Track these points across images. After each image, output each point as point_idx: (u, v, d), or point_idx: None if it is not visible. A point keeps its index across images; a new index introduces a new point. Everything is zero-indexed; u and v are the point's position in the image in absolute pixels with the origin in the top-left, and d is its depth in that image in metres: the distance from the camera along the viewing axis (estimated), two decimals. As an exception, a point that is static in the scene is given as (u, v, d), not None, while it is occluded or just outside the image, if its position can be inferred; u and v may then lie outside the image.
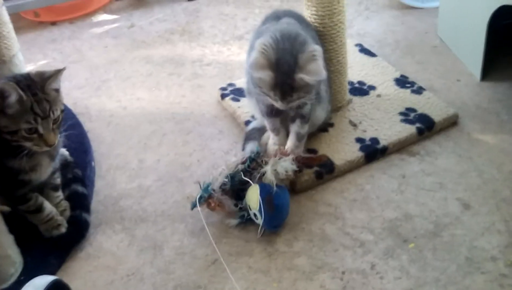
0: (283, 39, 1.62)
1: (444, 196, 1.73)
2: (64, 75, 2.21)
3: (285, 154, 1.71)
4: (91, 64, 2.57)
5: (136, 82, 2.41)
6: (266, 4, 2.92)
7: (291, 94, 1.61)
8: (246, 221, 1.68)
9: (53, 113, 1.47)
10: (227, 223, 1.69)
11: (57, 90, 1.52)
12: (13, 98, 1.41)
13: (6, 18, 2.05)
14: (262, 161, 1.69)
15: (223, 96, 2.20)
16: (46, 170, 1.60)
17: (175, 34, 2.74)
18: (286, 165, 1.65)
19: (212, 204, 1.68)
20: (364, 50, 2.38)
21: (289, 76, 1.58)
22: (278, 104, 1.64)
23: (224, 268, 1.57)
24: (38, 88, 1.46)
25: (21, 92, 1.41)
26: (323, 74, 1.60)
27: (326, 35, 1.88)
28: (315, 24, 1.88)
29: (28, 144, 1.47)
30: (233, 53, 2.55)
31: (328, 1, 1.83)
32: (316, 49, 1.63)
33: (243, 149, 1.90)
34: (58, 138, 1.51)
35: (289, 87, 1.60)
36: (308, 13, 1.88)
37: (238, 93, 2.19)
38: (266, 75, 1.59)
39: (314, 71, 1.58)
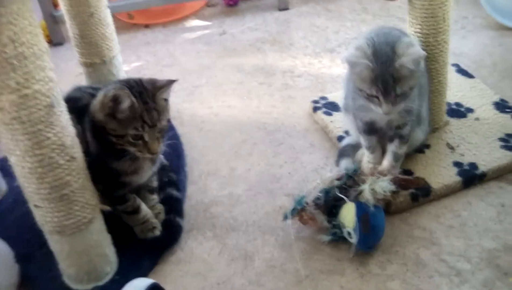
0: (378, 35, 1.59)
1: (547, 229, 1.66)
2: (157, 78, 2.27)
3: (383, 174, 1.67)
4: (183, 69, 2.61)
5: (227, 90, 2.43)
6: (358, 18, 2.89)
7: (394, 87, 1.54)
8: (338, 238, 1.65)
9: (160, 123, 1.48)
10: (319, 238, 1.67)
11: (166, 100, 1.52)
12: (125, 104, 1.43)
13: (110, 19, 2.11)
14: (359, 179, 1.66)
15: (315, 109, 2.18)
16: (147, 173, 1.63)
17: (266, 44, 2.75)
18: (385, 185, 1.61)
19: (305, 217, 1.66)
20: (461, 71, 2.31)
21: (389, 66, 1.53)
22: (383, 108, 1.58)
23: (315, 285, 1.55)
24: (149, 97, 1.46)
25: (134, 100, 1.43)
26: (422, 52, 1.54)
27: (429, 54, 1.83)
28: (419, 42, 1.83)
29: (132, 149, 1.49)
30: (324, 66, 2.53)
31: (434, 20, 1.78)
32: (412, 39, 1.60)
33: (337, 165, 1.88)
34: (161, 147, 1.52)
35: (391, 79, 1.54)
36: (411, 31, 1.84)
37: (330, 107, 2.17)
38: (364, 68, 1.55)
39: (413, 53, 1.53)
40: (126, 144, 1.48)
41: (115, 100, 1.42)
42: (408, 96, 1.59)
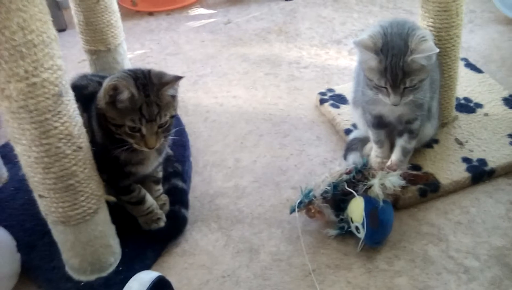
0: (391, 26, 1.57)
1: (556, 227, 1.64)
2: (162, 67, 2.25)
3: (392, 169, 1.65)
4: (187, 57, 2.58)
5: (233, 80, 2.40)
6: (365, 9, 2.86)
7: (403, 80, 1.52)
8: (345, 233, 1.63)
9: (161, 118, 1.44)
10: (326, 232, 1.65)
11: (174, 97, 1.48)
12: (124, 95, 1.40)
13: (115, 6, 2.08)
14: (368, 173, 1.64)
15: (322, 102, 2.16)
16: (153, 164, 1.60)
17: (272, 34, 2.72)
18: (395, 180, 1.59)
19: (312, 211, 1.64)
20: (470, 65, 2.29)
21: (400, 59, 1.51)
22: (391, 99, 1.56)
23: (322, 280, 1.54)
24: (153, 91, 1.42)
25: (134, 91, 1.39)
26: (435, 49, 1.51)
27: (441, 48, 1.80)
28: (431, 36, 1.81)
29: (130, 140, 1.46)
30: (331, 57, 2.51)
31: (447, 14, 1.76)
32: (426, 33, 1.58)
33: (345, 159, 1.86)
34: (160, 142, 1.48)
35: (401, 72, 1.52)
36: (423, 25, 1.81)
37: (338, 100, 2.14)
38: (373, 59, 1.53)
39: (426, 49, 1.50)
40: (123, 134, 1.45)
41: (116, 89, 1.40)
42: (417, 88, 1.57)
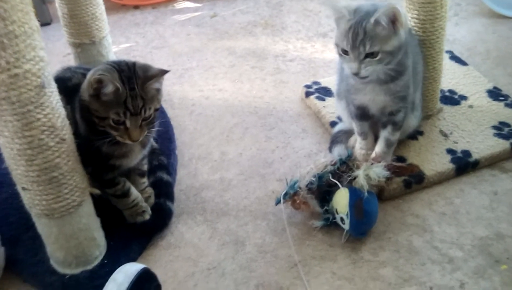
0: (367, 4, 1.56)
1: (539, 217, 1.65)
2: (147, 60, 2.24)
3: (377, 161, 1.66)
4: (173, 51, 2.57)
5: (219, 73, 2.40)
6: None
7: (363, 41, 1.49)
8: (330, 224, 1.64)
9: (145, 112, 1.43)
10: (311, 224, 1.65)
11: (158, 90, 1.47)
12: (109, 88, 1.39)
13: (100, -1, 2.06)
14: (353, 165, 1.64)
15: (307, 94, 2.16)
16: (137, 156, 1.59)
17: (258, 27, 2.72)
18: (379, 171, 1.60)
19: (297, 202, 1.64)
20: (455, 58, 2.30)
21: (364, 20, 1.49)
22: (351, 66, 1.54)
23: (308, 271, 1.54)
24: (138, 84, 1.41)
25: (118, 85, 1.38)
26: (396, 8, 1.47)
27: (425, 40, 1.82)
28: (415, 28, 1.81)
29: (113, 133, 1.45)
30: (317, 51, 2.51)
31: (431, 6, 1.77)
32: (399, 10, 1.52)
33: (330, 151, 1.87)
34: (144, 135, 1.47)
35: (362, 32, 1.49)
36: (408, 17, 1.82)
37: (323, 92, 2.14)
38: (343, 18, 1.52)
39: (385, 9, 1.46)
40: (107, 127, 1.44)
41: (100, 82, 1.38)
42: (380, 62, 1.53)
